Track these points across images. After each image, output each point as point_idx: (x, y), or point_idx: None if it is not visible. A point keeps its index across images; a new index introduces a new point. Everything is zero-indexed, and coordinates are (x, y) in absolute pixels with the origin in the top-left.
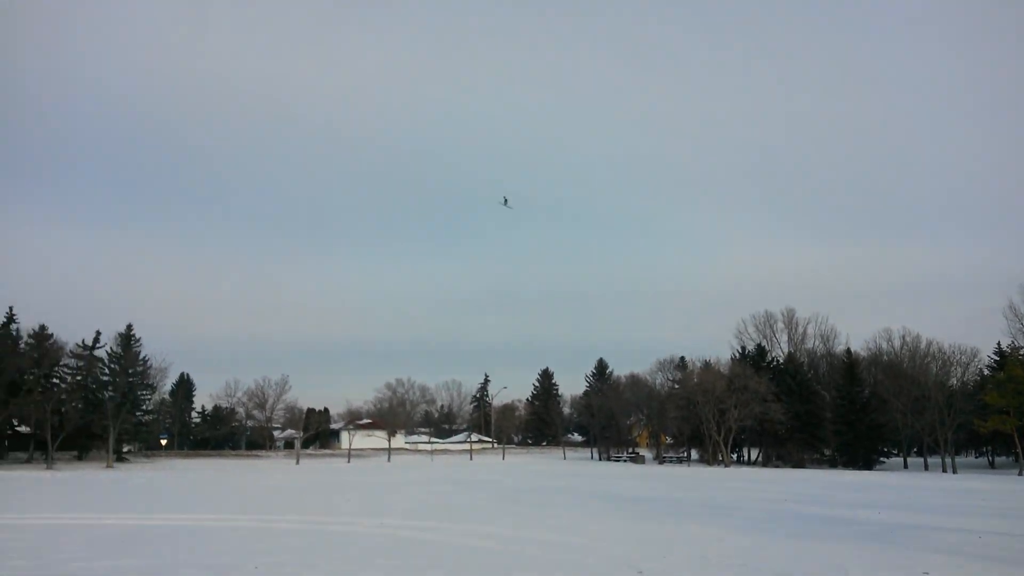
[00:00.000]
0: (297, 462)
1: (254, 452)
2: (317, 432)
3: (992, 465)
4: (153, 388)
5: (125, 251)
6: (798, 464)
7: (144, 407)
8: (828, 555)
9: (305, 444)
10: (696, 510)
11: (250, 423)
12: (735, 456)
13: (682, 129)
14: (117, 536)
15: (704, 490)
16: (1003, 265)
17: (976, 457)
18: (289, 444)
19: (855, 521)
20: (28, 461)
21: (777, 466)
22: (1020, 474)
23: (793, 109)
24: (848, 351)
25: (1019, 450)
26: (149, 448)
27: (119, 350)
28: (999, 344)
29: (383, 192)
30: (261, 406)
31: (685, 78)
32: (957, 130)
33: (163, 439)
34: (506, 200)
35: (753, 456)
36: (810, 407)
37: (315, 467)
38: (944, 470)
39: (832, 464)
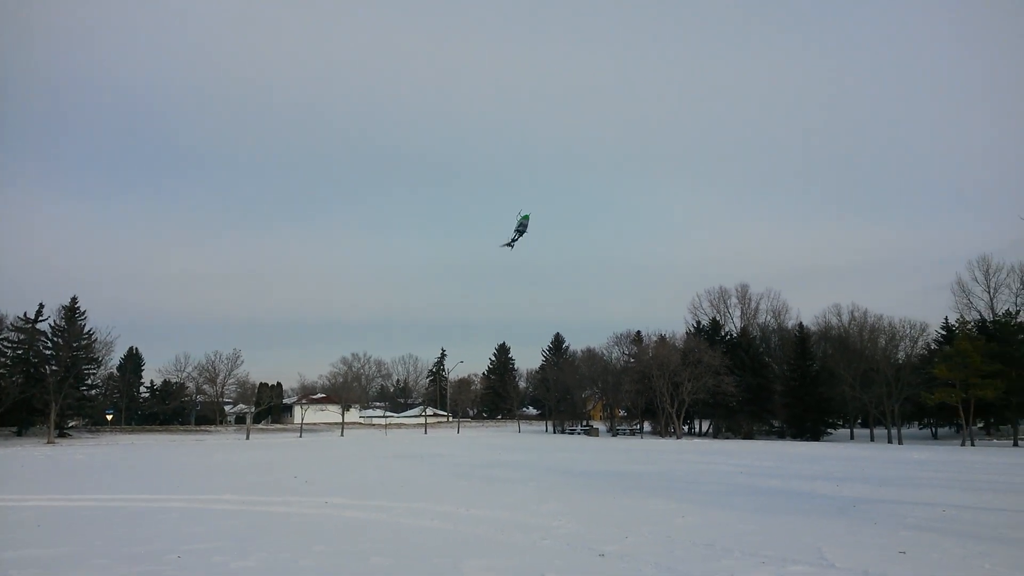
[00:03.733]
0: (247, 437)
1: (203, 427)
2: (269, 407)
3: (935, 436)
4: (99, 362)
5: (72, 223)
6: (748, 435)
7: (89, 381)
8: (796, 532)
9: (257, 419)
10: (654, 484)
11: (200, 398)
12: (686, 428)
13: (644, 107)
14: (34, 520)
15: (660, 463)
16: (951, 243)
17: (919, 428)
18: (240, 419)
19: (814, 494)
20: None
21: (727, 437)
22: (963, 445)
23: (754, 91)
24: (799, 326)
25: (962, 422)
26: (95, 423)
27: (63, 323)
28: (947, 319)
29: (343, 165)
30: (212, 380)
31: (651, 58)
32: (908, 114)
33: (109, 414)
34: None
35: (704, 428)
36: (761, 380)
37: (265, 442)
38: (890, 441)
39: (780, 435)
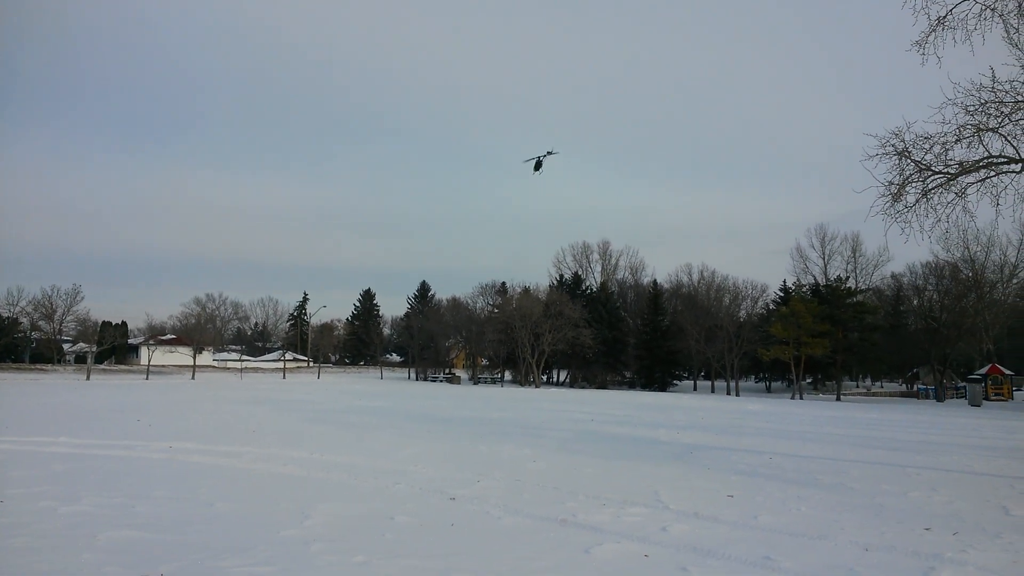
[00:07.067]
0: (87, 378)
1: (39, 366)
2: (113, 347)
3: (768, 390)
4: None
5: None
6: (602, 385)
7: None
8: (637, 476)
9: (99, 359)
10: (509, 431)
11: (36, 335)
12: (545, 377)
13: (520, 63)
14: None
15: (517, 410)
16: (792, 213)
17: (756, 382)
18: (81, 358)
19: (658, 441)
20: None
21: (583, 387)
22: (792, 398)
23: (627, 56)
24: (654, 283)
25: (793, 377)
26: None
27: None
28: (785, 282)
29: (207, 98)
30: (49, 317)
31: (536, 13)
32: (761, 94)
33: None
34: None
35: (561, 377)
36: (616, 333)
37: (107, 383)
38: (728, 393)
39: (631, 386)
